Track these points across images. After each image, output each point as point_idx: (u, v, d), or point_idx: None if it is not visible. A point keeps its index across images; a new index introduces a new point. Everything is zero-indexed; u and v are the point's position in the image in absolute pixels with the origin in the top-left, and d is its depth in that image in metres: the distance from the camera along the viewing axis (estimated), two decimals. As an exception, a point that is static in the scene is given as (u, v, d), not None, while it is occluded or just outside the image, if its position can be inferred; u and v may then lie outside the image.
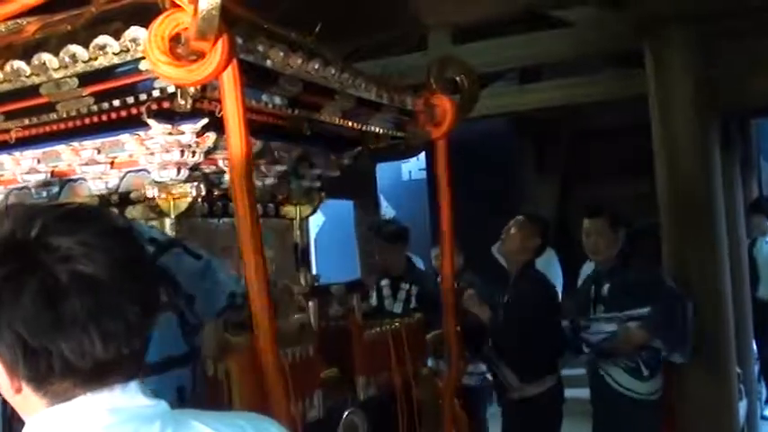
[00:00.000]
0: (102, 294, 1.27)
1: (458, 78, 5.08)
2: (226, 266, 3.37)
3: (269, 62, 3.47)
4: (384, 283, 6.75)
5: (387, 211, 13.97)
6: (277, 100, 3.68)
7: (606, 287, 5.96)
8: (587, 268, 9.57)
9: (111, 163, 3.78)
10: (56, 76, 3.28)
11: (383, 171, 13.41)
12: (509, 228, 6.26)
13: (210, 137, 3.62)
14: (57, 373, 1.28)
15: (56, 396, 1.31)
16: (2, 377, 1.32)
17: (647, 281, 5.99)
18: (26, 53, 3.38)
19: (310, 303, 4.24)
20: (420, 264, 8.28)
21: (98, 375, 1.31)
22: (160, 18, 2.99)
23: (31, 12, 3.80)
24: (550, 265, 9.39)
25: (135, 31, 3.11)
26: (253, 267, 3.14)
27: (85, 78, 3.27)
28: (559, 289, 9.64)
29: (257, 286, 3.13)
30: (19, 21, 3.86)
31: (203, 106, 3.39)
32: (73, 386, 1.31)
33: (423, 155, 12.37)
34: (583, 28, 7.96)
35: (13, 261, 1.27)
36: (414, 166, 15.14)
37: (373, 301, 6.57)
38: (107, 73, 3.23)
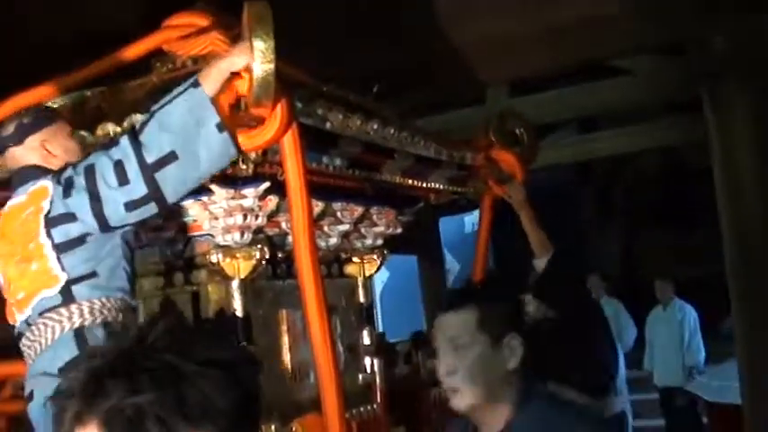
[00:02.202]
0: None
1: (517, 131, 5.07)
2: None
3: (328, 124, 3.49)
4: None
5: (451, 264, 13.89)
6: (337, 161, 3.69)
7: None
8: (656, 315, 9.47)
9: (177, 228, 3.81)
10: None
11: (446, 224, 13.36)
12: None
13: (273, 200, 3.63)
14: None
15: None
16: None
17: None
18: (91, 123, 3.43)
19: (376, 362, 4.20)
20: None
21: None
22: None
23: (95, 82, 3.87)
24: (619, 318, 9.23)
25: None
26: (318, 328, 3.13)
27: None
28: (631, 341, 9.50)
29: (322, 347, 3.12)
30: (84, 91, 3.93)
31: (265, 170, 3.41)
32: None
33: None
34: (642, 76, 7.92)
35: None
36: (477, 218, 15.06)
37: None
38: (170, 141, 3.26)
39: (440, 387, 4.35)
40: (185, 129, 2.75)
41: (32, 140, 3.12)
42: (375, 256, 4.57)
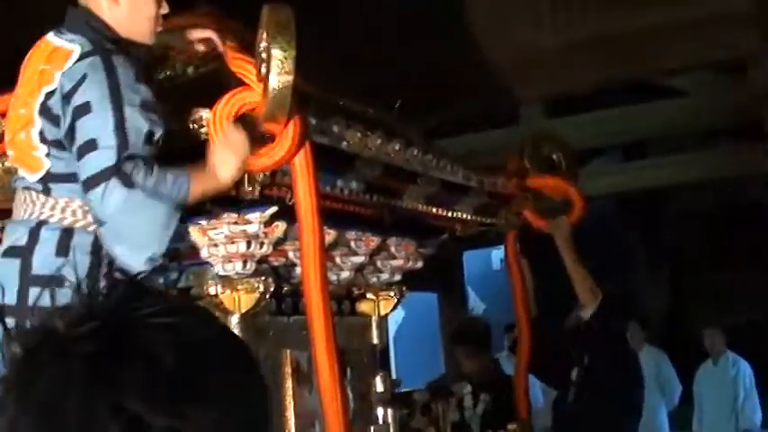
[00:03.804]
0: None
1: (554, 156, 5.09)
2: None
3: (345, 144, 3.51)
4: (465, 390, 6.61)
5: (475, 304, 13.87)
6: (353, 185, 3.71)
7: None
8: (705, 370, 9.41)
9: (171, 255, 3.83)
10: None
11: (471, 259, 13.37)
12: None
13: (280, 226, 3.64)
14: None
15: None
16: None
17: None
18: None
19: (390, 412, 4.21)
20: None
21: None
22: (226, 97, 3.06)
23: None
24: (662, 370, 9.18)
25: (198, 111, 3.17)
26: (326, 371, 3.14)
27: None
28: (676, 398, 9.44)
29: (331, 392, 3.13)
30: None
31: (272, 193, 3.42)
32: None
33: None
34: (696, 97, 7.92)
35: None
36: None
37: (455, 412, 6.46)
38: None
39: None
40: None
41: None
42: (391, 293, 4.57)
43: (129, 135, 2.88)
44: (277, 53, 2.83)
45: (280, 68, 2.83)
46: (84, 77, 2.93)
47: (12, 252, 3.03)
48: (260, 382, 1.31)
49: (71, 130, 2.94)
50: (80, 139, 2.91)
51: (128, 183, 2.82)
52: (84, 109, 2.91)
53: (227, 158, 2.98)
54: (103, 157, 2.85)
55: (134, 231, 2.91)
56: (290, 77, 2.83)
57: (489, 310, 12.97)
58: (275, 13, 2.90)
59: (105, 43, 3.02)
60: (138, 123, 2.90)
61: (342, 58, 6.33)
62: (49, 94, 3.00)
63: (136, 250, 2.92)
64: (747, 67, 7.24)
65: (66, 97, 2.96)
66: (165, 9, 3.15)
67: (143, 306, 1.20)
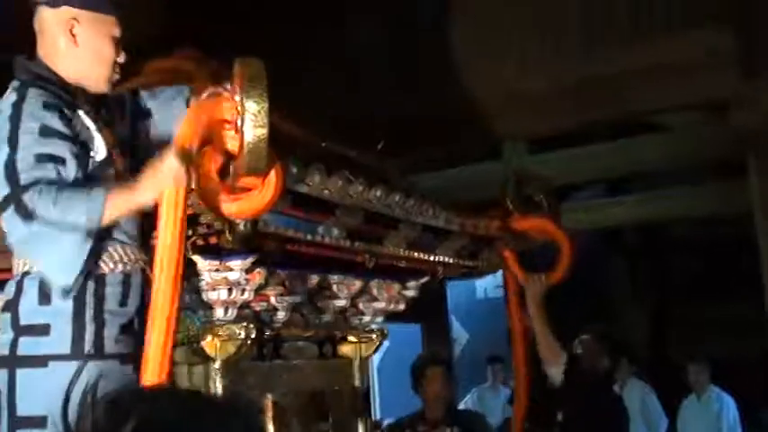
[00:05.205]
0: None
1: (536, 198, 5.12)
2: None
3: (326, 192, 3.54)
4: (421, 429, 6.43)
5: (459, 334, 13.85)
6: (335, 232, 3.73)
7: None
8: (689, 406, 9.41)
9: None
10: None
11: (455, 289, 13.34)
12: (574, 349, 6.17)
13: (262, 273, 3.67)
14: None
15: None
16: None
17: None
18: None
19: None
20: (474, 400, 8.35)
21: None
22: (207, 148, 3.08)
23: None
24: (646, 404, 9.18)
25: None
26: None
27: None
28: (662, 431, 9.43)
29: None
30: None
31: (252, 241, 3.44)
32: None
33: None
34: (681, 133, 7.97)
35: None
36: (490, 283, 15.03)
37: None
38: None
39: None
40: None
41: (65, 12, 3.05)
42: (373, 336, 4.60)
43: (19, 164, 2.84)
44: (251, 106, 2.84)
45: (254, 121, 2.84)
46: None
47: (5, 306, 3.02)
48: None
49: None
50: None
51: (27, 216, 2.79)
52: None
53: (156, 180, 2.88)
54: (1, 190, 2.85)
55: (44, 260, 2.88)
56: (265, 130, 2.84)
57: (473, 340, 12.96)
58: (247, 67, 2.91)
59: (35, 82, 2.99)
60: (34, 150, 2.85)
61: (325, 92, 6.36)
62: None
63: (52, 275, 2.90)
64: (730, 106, 7.29)
65: None
66: (121, 58, 3.13)
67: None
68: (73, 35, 3.05)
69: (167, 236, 2.87)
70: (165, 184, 2.85)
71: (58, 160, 2.89)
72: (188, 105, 3.25)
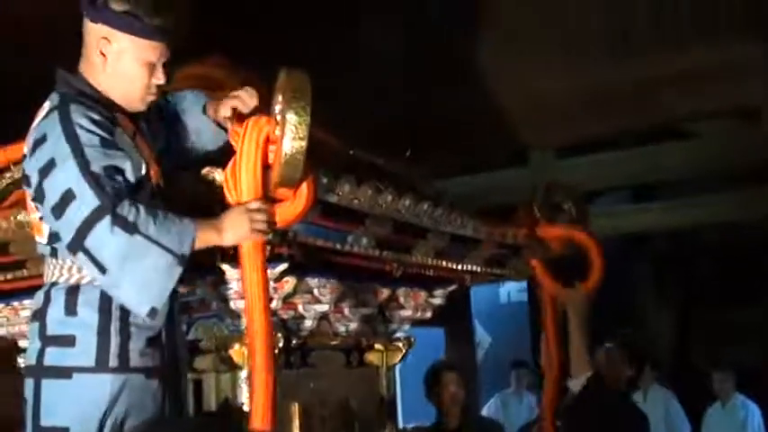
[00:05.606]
0: None
1: (565, 206, 5.09)
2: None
3: (356, 202, 3.53)
4: None
5: (482, 338, 13.83)
6: (363, 241, 3.72)
7: None
8: (714, 413, 9.36)
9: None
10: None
11: (478, 293, 13.32)
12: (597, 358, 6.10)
13: (290, 282, 3.66)
14: None
15: None
16: None
17: None
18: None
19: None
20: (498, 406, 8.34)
21: None
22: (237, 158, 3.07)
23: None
24: (669, 412, 9.13)
25: (211, 172, 3.20)
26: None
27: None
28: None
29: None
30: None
31: (282, 251, 3.44)
32: None
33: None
34: (708, 140, 7.92)
35: None
36: (513, 287, 15.01)
37: None
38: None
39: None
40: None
41: (100, 29, 3.00)
42: (400, 344, 4.60)
43: (100, 177, 2.80)
44: (292, 118, 2.84)
45: (294, 134, 2.84)
46: (44, 137, 2.89)
47: (34, 316, 3.04)
48: None
49: (40, 192, 2.90)
50: (52, 198, 2.85)
51: (128, 227, 2.75)
52: (49, 166, 2.85)
53: (241, 228, 2.94)
54: (86, 202, 2.78)
55: (135, 279, 2.82)
56: (304, 143, 2.85)
57: (495, 343, 12.94)
58: (292, 79, 2.91)
59: (75, 97, 2.96)
60: (102, 162, 2.82)
61: (354, 97, 6.35)
62: (24, 155, 3.00)
63: (137, 299, 2.86)
64: (761, 113, 7.24)
65: (30, 155, 2.94)
66: (160, 80, 3.07)
67: None
68: (103, 55, 3.01)
69: (253, 288, 3.00)
70: (249, 237, 2.95)
71: (122, 172, 2.89)
72: (204, 113, 3.26)
